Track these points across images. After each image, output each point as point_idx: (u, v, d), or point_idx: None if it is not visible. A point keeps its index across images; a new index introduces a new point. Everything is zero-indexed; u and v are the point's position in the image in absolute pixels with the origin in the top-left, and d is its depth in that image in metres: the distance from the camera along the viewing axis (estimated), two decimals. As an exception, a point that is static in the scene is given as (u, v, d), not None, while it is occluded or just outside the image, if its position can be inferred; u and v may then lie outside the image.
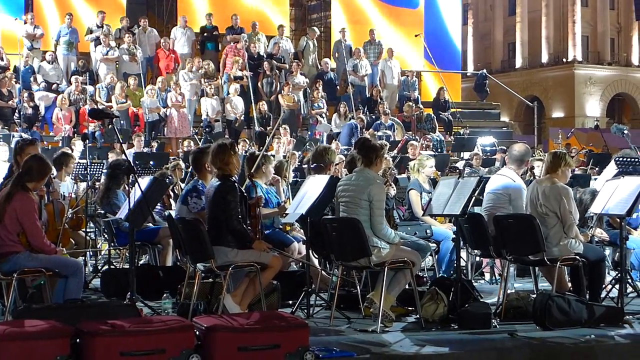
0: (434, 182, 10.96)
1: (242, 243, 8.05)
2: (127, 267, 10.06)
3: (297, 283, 9.27)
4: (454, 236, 8.98)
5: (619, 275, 9.03)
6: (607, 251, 10.56)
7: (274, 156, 15.53)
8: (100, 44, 22.28)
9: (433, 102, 25.44)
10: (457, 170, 15.70)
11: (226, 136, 19.84)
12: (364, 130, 21.12)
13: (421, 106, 24.34)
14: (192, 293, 8.28)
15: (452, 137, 23.81)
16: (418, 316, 8.34)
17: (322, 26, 30.11)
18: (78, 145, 17.53)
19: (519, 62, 62.93)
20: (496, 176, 9.74)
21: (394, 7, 28.38)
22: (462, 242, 9.28)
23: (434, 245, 10.32)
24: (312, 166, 10.38)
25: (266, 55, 23.72)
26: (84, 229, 11.27)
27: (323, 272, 9.65)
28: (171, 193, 12.34)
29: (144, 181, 9.02)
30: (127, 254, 11.42)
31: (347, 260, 8.43)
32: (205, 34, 24.31)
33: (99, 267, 11.77)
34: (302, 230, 10.06)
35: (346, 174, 9.50)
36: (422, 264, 9.88)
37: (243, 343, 6.47)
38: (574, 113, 58.79)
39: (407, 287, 8.53)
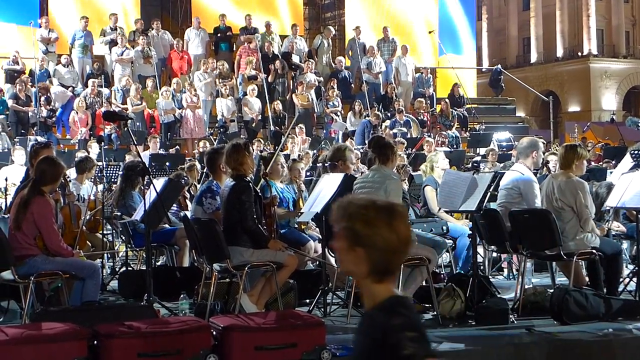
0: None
1: (258, 243, 8.06)
2: (144, 268, 10.11)
3: (313, 282, 9.28)
4: (470, 232, 8.98)
5: (637, 268, 9.01)
6: (625, 244, 10.53)
7: (289, 156, 15.60)
8: (116, 44, 22.34)
9: (448, 98, 25.39)
10: (475, 165, 15.65)
11: (241, 136, 19.86)
12: (378, 127, 21.11)
13: (447, 101, 24.31)
14: (209, 293, 8.29)
15: (467, 133, 23.76)
16: (435, 313, 8.34)
17: (336, 25, 30.10)
18: (94, 148, 17.58)
19: (534, 57, 62.74)
20: (508, 172, 9.75)
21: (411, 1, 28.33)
22: (478, 238, 9.27)
23: (451, 241, 10.30)
24: (327, 164, 10.38)
25: (281, 55, 23.73)
26: (101, 231, 11.31)
27: (339, 270, 9.65)
28: (187, 194, 12.35)
29: (159, 182, 9.05)
30: (144, 255, 11.47)
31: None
32: (219, 35, 24.34)
33: (117, 269, 11.81)
34: (317, 229, 10.07)
35: (362, 172, 9.50)
36: (439, 261, 9.86)
37: (260, 342, 6.49)
38: (590, 107, 58.56)
39: (423, 283, 8.52)
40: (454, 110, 24.11)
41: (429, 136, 20.77)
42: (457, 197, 8.85)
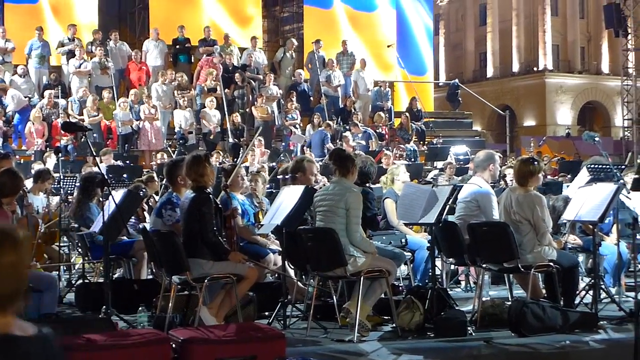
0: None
1: (218, 255, 8.04)
2: (102, 280, 10.04)
3: (273, 294, 9.25)
4: (428, 245, 9.03)
5: (593, 281, 9.11)
6: (580, 257, 10.64)
7: (247, 168, 15.58)
8: (74, 56, 22.20)
9: (405, 112, 25.54)
10: (432, 179, 15.75)
11: (200, 148, 19.81)
12: (337, 139, 21.19)
13: (407, 115, 24.44)
14: (168, 306, 8.26)
15: (425, 146, 23.91)
16: (394, 325, 8.37)
17: (295, 37, 30.19)
18: (51, 159, 17.44)
19: (490, 72, 63.34)
20: (467, 185, 9.84)
21: (364, 12, 28.46)
22: (436, 251, 9.34)
23: (409, 254, 10.35)
24: (287, 177, 10.39)
25: (240, 67, 23.73)
26: (57, 243, 11.21)
27: (299, 282, 9.66)
28: (145, 206, 12.30)
29: (118, 194, 9.00)
30: (101, 268, 11.38)
31: (323, 270, 8.45)
32: (177, 47, 24.29)
33: (73, 282, 11.70)
34: (276, 241, 10.07)
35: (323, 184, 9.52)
36: (398, 273, 9.90)
37: (220, 355, 6.47)
38: (546, 121, 59.21)
39: (382, 296, 8.55)
40: (413, 124, 24.25)
41: (388, 149, 20.86)
42: (417, 209, 8.90)
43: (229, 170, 9.89)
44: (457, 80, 30.73)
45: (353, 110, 23.92)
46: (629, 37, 35.45)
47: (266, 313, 9.03)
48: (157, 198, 13.16)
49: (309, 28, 28.62)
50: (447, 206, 8.71)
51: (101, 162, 17.22)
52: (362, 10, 28.57)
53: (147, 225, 9.92)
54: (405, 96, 27.93)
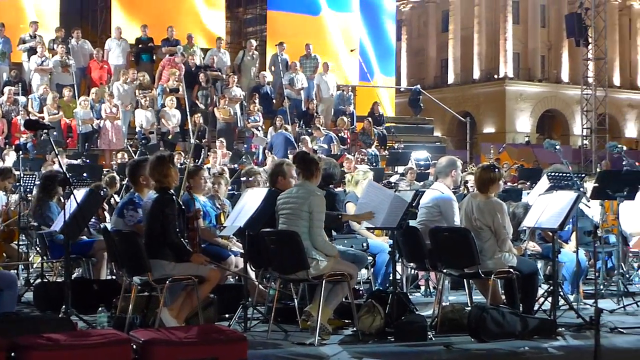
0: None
1: (180, 256, 8.01)
2: (61, 280, 9.96)
3: (234, 296, 9.23)
4: (390, 249, 9.07)
5: (551, 288, 9.20)
6: (539, 264, 10.74)
7: (209, 169, 15.55)
8: (35, 53, 22.00)
9: (367, 116, 25.62)
10: (392, 184, 15.81)
11: (162, 148, 19.72)
12: (298, 142, 21.21)
13: (370, 120, 24.51)
14: (128, 307, 8.21)
15: (386, 151, 23.99)
16: (355, 329, 8.39)
17: (258, 39, 30.17)
18: (10, 157, 17.27)
19: (451, 78, 63.73)
20: (429, 190, 9.91)
21: (334, 19, 28.52)
22: (398, 255, 9.38)
23: (370, 258, 10.38)
24: (250, 179, 10.42)
25: (202, 67, 23.65)
26: (16, 242, 11.10)
27: (260, 285, 9.65)
28: (106, 205, 12.22)
29: (80, 193, 8.93)
30: (60, 267, 11.29)
31: (285, 273, 8.46)
32: (140, 46, 24.15)
33: (31, 281, 11.59)
34: (238, 243, 10.05)
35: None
36: (358, 277, 9.93)
37: (182, 357, 6.45)
38: (505, 129, 59.68)
39: (344, 299, 8.57)
40: (375, 129, 24.33)
41: (349, 153, 20.91)
42: (379, 214, 8.95)
43: (194, 171, 9.86)
44: (419, 86, 30.90)
45: (315, 114, 23.94)
46: (590, 46, 35.81)
47: (226, 315, 9.02)
48: (117, 198, 13.11)
49: (272, 30, 28.60)
50: (409, 211, 8.75)
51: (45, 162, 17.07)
52: (327, 14, 28.59)
53: (108, 225, 9.85)
54: (367, 101, 27.98)
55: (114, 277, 10.29)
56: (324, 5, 28.63)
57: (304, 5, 28.40)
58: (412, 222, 9.51)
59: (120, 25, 24.52)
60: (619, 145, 11.19)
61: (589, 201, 10.93)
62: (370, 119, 24.64)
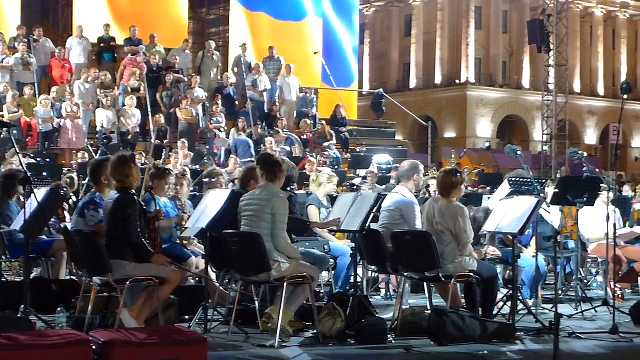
0: (332, 199, 11.08)
1: (141, 257, 7.97)
2: (20, 279, 9.86)
3: (194, 298, 9.21)
4: (351, 252, 9.09)
5: (511, 292, 9.27)
6: (499, 268, 10.81)
7: (171, 170, 15.45)
8: (-4, 50, 21.79)
9: (330, 119, 25.66)
10: (354, 187, 15.85)
11: (121, 148, 19.58)
12: (260, 144, 21.19)
13: (324, 123, 24.52)
14: (87, 307, 8.16)
15: (348, 154, 24.04)
16: (316, 331, 8.41)
17: (221, 40, 30.07)
18: (-32, 155, 17.07)
19: (413, 83, 64.01)
20: (391, 194, 9.96)
21: (289, 22, 28.51)
22: (359, 258, 9.41)
23: (332, 261, 10.40)
24: (213, 180, 10.40)
25: (164, 68, 23.54)
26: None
27: (221, 287, 9.62)
28: (66, 205, 12.12)
29: (41, 192, 8.86)
30: (19, 267, 11.18)
31: (247, 274, 8.45)
32: (102, 45, 23.99)
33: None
34: (199, 245, 10.03)
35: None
36: (319, 280, 9.94)
37: (142, 358, 6.42)
38: (466, 133, 60.04)
39: (305, 302, 8.58)
40: (332, 131, 24.30)
41: (312, 156, 20.93)
42: (341, 217, 8.99)
43: (160, 173, 9.81)
44: (381, 90, 31.01)
45: (278, 116, 23.93)
46: (551, 53, 36.11)
47: (187, 317, 8.99)
48: (74, 198, 13.01)
49: (234, 32, 28.54)
50: (372, 214, 8.79)
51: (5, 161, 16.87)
52: (289, 20, 28.59)
53: (68, 225, 9.76)
54: (330, 103, 28.01)
55: (73, 278, 10.21)
56: (292, 12, 28.64)
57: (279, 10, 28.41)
58: (374, 226, 9.56)
59: (82, 24, 24.31)
60: (580, 152, 11.30)
61: (549, 207, 11.04)
62: (323, 122, 24.58)
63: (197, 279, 9.96)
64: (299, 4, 28.90)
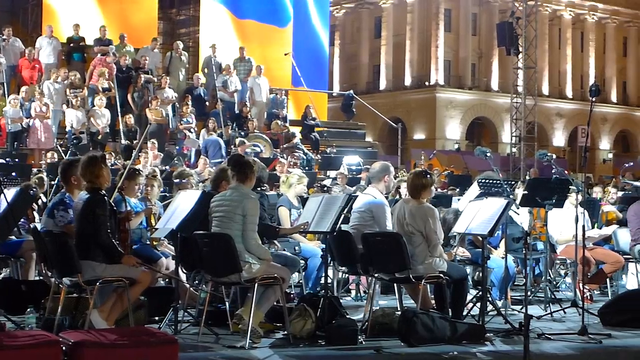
0: (303, 200, 11.10)
1: (111, 257, 7.95)
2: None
3: (164, 299, 9.19)
4: (322, 253, 9.10)
5: (480, 293, 9.33)
6: (468, 270, 10.87)
7: (140, 170, 15.38)
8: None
9: (300, 120, 25.67)
10: (325, 188, 15.87)
11: (91, 149, 19.47)
12: (231, 145, 21.16)
13: (277, 122, 24.49)
14: (57, 308, 8.11)
15: (319, 155, 24.06)
16: (286, 332, 8.42)
17: (191, 41, 29.99)
18: None
19: (383, 84, 64.16)
20: (361, 195, 9.99)
21: (263, 24, 28.51)
22: (329, 259, 9.43)
23: (302, 262, 10.42)
24: (183, 180, 10.39)
25: (134, 68, 23.44)
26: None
27: (191, 288, 9.60)
28: (35, 205, 12.04)
29: (10, 193, 8.80)
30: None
31: (218, 275, 8.45)
32: (71, 45, 23.86)
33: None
34: (169, 246, 10.00)
35: None
36: (290, 281, 9.95)
37: (112, 359, 6.40)
38: (435, 135, 60.30)
39: (275, 303, 8.59)
40: (293, 133, 24.25)
41: (282, 157, 20.93)
42: (310, 218, 9.01)
43: (132, 174, 9.77)
44: (352, 91, 31.08)
45: (249, 117, 23.91)
46: (520, 55, 36.30)
47: (157, 318, 8.97)
48: (44, 198, 12.93)
49: (204, 32, 28.49)
50: (342, 215, 8.81)
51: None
52: (264, 22, 28.58)
53: (38, 225, 9.71)
54: (300, 105, 28.04)
55: (42, 278, 10.15)
56: (259, 6, 28.63)
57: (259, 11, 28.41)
58: (344, 227, 9.58)
59: (52, 24, 24.18)
60: (549, 154, 11.37)
61: (518, 208, 11.12)
62: (278, 121, 24.49)
63: (167, 280, 9.93)
64: (281, 6, 28.93)
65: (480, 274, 9.92)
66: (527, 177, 21.69)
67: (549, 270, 11.55)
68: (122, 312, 8.11)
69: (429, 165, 26.21)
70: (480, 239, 9.55)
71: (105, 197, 8.07)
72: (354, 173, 21.04)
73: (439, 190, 17.29)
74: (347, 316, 8.96)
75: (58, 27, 24.15)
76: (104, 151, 19.27)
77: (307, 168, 21.45)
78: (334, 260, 9.83)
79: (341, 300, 10.06)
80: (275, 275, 8.30)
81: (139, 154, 18.50)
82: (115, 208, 8.27)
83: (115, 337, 6.64)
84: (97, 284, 7.85)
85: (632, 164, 26.67)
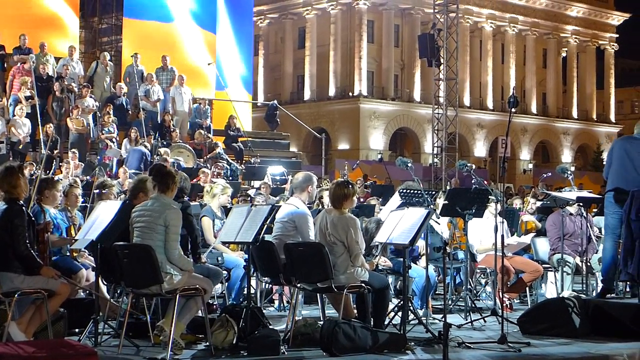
0: (227, 210, 11.07)
1: (30, 269, 7.83)
2: None
3: (84, 311, 9.07)
4: (245, 264, 9.08)
5: (402, 302, 9.40)
6: (390, 279, 10.96)
7: (60, 180, 15.18)
8: None
9: (224, 130, 25.59)
10: (249, 198, 15.85)
11: (11, 159, 19.15)
12: (154, 155, 20.97)
13: (200, 132, 24.37)
14: (-26, 321, 7.97)
15: (243, 165, 24.01)
16: (208, 343, 8.37)
17: (113, 50, 29.69)
18: None
19: (307, 95, 64.43)
20: (284, 205, 10.00)
21: (192, 27, 28.40)
22: (253, 270, 9.42)
23: (225, 272, 10.39)
24: (104, 191, 10.27)
25: (55, 77, 23.10)
26: None
27: (111, 300, 9.50)
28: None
29: None
30: None
31: (138, 287, 8.36)
32: (-10, 53, 23.45)
33: None
34: (89, 257, 9.88)
35: None
36: (212, 292, 9.91)
37: (30, 372, 6.30)
38: (359, 145, 60.71)
39: (198, 314, 8.55)
40: (215, 143, 24.15)
41: (206, 167, 20.83)
42: (235, 228, 8.99)
43: (50, 182, 9.63)
44: (275, 102, 31.12)
45: (171, 127, 23.73)
46: (441, 67, 36.76)
47: (77, 330, 8.86)
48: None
49: (127, 41, 28.25)
50: (265, 226, 8.81)
51: None
52: (183, 25, 28.48)
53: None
54: (224, 115, 27.94)
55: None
56: (181, 16, 28.51)
57: (162, 13, 28.21)
58: (267, 237, 9.58)
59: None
60: (469, 164, 11.52)
61: (438, 218, 11.24)
62: (201, 131, 24.37)
63: (87, 291, 9.80)
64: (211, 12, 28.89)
65: (402, 283, 10.00)
66: (448, 187, 21.93)
67: (470, 279, 11.70)
68: (41, 324, 8.00)
69: (363, 176, 26.35)
70: (402, 248, 9.62)
71: (24, 208, 7.95)
72: (278, 183, 21.05)
73: (361, 200, 17.38)
74: (270, 326, 8.95)
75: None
76: (24, 161, 18.99)
77: (231, 178, 21.37)
78: (256, 271, 9.82)
79: (264, 311, 10.06)
80: (197, 286, 8.26)
81: (60, 164, 18.25)
82: (33, 219, 8.14)
83: (34, 350, 6.54)
84: (16, 295, 7.72)
85: (550, 174, 27.20)
